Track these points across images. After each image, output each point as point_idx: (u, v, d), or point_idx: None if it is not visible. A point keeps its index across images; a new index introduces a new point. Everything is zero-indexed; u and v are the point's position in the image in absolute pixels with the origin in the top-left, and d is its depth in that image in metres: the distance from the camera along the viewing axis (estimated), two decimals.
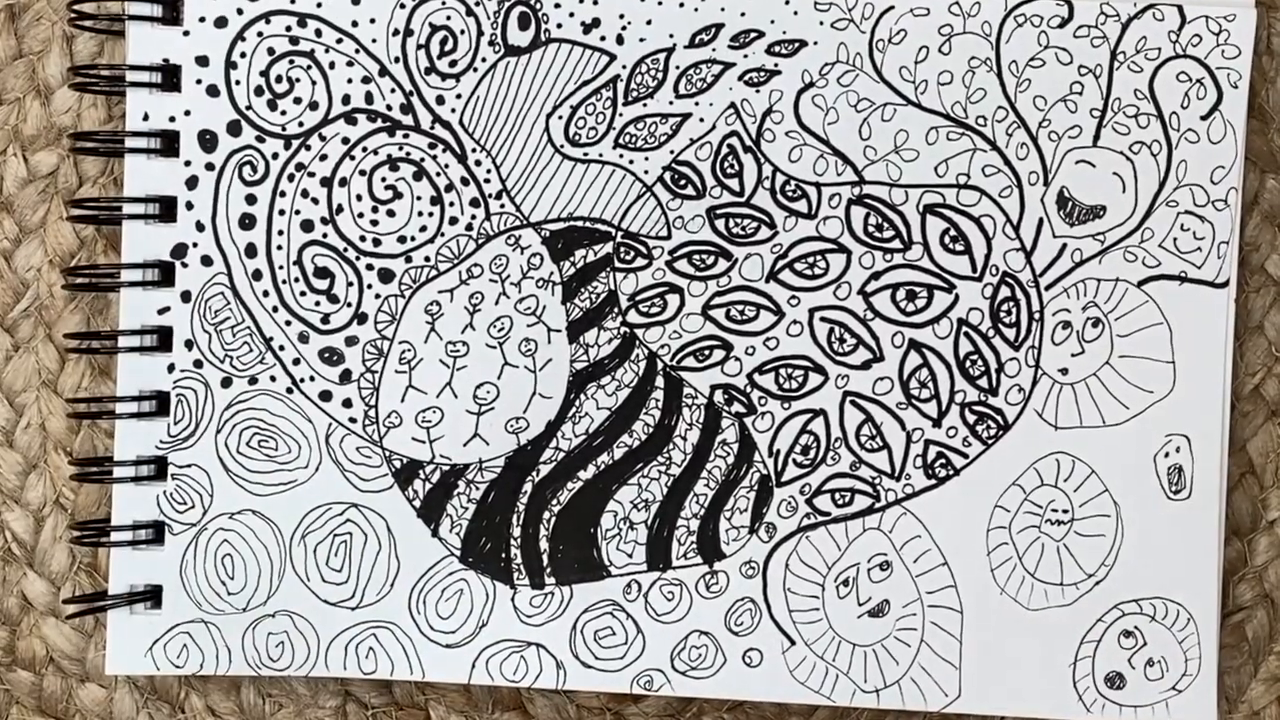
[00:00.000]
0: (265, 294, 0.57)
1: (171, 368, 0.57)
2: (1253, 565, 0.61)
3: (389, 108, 0.57)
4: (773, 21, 0.58)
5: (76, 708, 0.60)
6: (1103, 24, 0.58)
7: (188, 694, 0.60)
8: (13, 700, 0.60)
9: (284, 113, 0.57)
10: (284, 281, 0.57)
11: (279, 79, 0.57)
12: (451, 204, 0.58)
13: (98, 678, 0.60)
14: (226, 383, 0.58)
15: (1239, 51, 0.58)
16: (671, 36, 0.58)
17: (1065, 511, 0.59)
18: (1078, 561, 0.59)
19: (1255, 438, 0.61)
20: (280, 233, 0.57)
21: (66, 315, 0.59)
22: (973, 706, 0.60)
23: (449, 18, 0.57)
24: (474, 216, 0.58)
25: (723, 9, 0.58)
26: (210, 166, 0.57)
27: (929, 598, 0.59)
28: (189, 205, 0.57)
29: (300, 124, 0.57)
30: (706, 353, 0.58)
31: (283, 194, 0.57)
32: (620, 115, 0.58)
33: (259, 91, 0.57)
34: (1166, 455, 0.59)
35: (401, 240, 0.58)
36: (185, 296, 0.57)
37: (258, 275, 0.57)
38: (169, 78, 0.57)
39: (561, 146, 0.58)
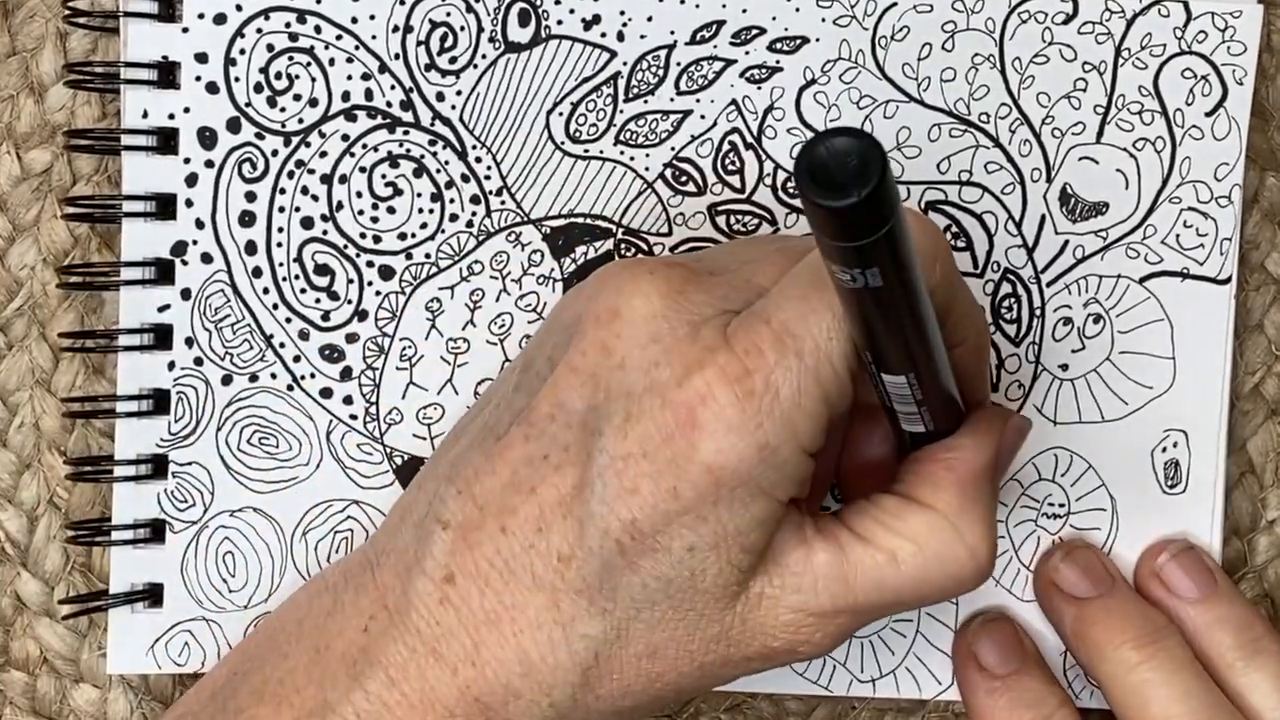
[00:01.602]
0: (265, 291, 0.57)
1: (172, 365, 0.57)
2: (1253, 565, 0.61)
3: (389, 104, 0.57)
4: (774, 18, 0.58)
5: (71, 708, 0.60)
6: (1107, 20, 0.58)
7: (182, 693, 0.59)
8: (6, 701, 0.60)
9: (283, 109, 0.57)
10: (284, 279, 0.57)
11: (278, 75, 0.57)
12: (452, 201, 0.58)
13: (92, 678, 0.60)
14: (227, 380, 0.57)
15: (1245, 48, 0.58)
16: (672, 33, 0.58)
17: (1062, 505, 0.60)
18: None
19: (1255, 437, 0.61)
20: (280, 230, 0.57)
21: (60, 314, 0.59)
22: None
23: (449, 14, 0.57)
24: (474, 213, 0.58)
25: (724, 6, 0.58)
26: (210, 164, 0.57)
27: None
28: (188, 203, 0.57)
29: (300, 121, 0.57)
30: None
31: (282, 191, 0.57)
32: (621, 112, 0.58)
33: (258, 88, 0.57)
34: (1164, 450, 0.59)
35: (402, 237, 0.58)
36: (185, 294, 0.57)
37: (258, 273, 0.57)
38: (166, 75, 0.57)
39: (562, 143, 0.58)
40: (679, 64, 0.58)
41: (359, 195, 0.57)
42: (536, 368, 0.51)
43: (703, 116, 0.58)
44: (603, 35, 0.58)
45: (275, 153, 0.57)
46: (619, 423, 0.47)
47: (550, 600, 0.48)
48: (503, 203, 0.58)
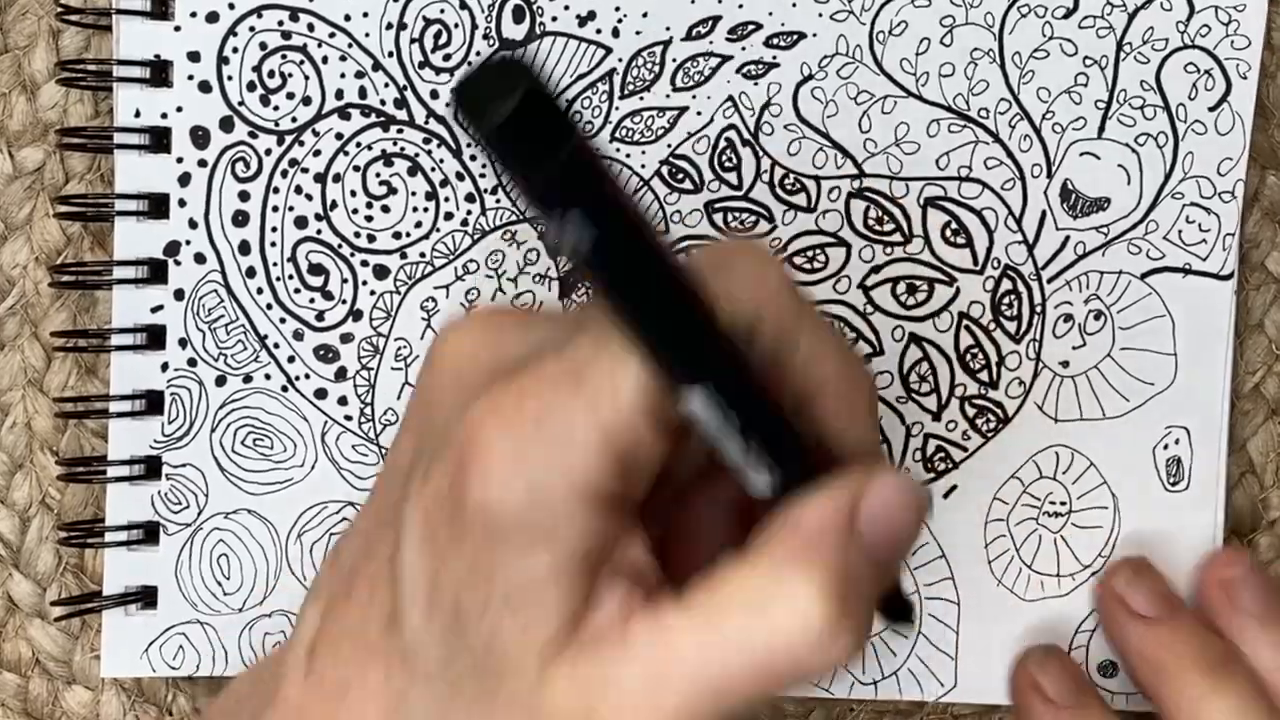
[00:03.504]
0: (259, 291, 0.57)
1: (165, 366, 0.57)
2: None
3: (383, 102, 0.57)
4: (771, 14, 0.57)
5: (63, 710, 0.59)
6: (1109, 14, 0.58)
7: (175, 696, 0.59)
8: None
9: (277, 108, 0.57)
10: (278, 279, 0.57)
11: (271, 74, 0.57)
12: (447, 199, 0.57)
13: (84, 680, 0.59)
14: (221, 381, 0.57)
15: (1249, 42, 0.58)
16: (668, 29, 0.57)
17: (1063, 503, 0.59)
18: (1074, 553, 0.59)
19: (1255, 436, 0.61)
20: (274, 229, 0.57)
21: (53, 313, 0.59)
22: (968, 696, 0.60)
23: (442, 11, 0.57)
24: (469, 212, 0.57)
25: (720, 1, 0.57)
26: (203, 163, 0.57)
27: (926, 590, 0.59)
28: (181, 202, 0.56)
29: (293, 119, 0.57)
30: None
31: (276, 190, 0.57)
32: (616, 109, 0.58)
33: (251, 87, 0.57)
34: (1166, 447, 0.59)
35: (397, 236, 0.57)
36: (179, 294, 0.57)
37: (251, 273, 0.57)
38: (158, 73, 0.56)
39: None
40: (675, 60, 0.57)
41: (353, 194, 0.57)
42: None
43: (699, 113, 0.58)
44: (598, 31, 0.57)
45: (269, 151, 0.57)
46: (423, 470, 0.42)
47: (384, 668, 0.44)
48: (498, 201, 0.57)
